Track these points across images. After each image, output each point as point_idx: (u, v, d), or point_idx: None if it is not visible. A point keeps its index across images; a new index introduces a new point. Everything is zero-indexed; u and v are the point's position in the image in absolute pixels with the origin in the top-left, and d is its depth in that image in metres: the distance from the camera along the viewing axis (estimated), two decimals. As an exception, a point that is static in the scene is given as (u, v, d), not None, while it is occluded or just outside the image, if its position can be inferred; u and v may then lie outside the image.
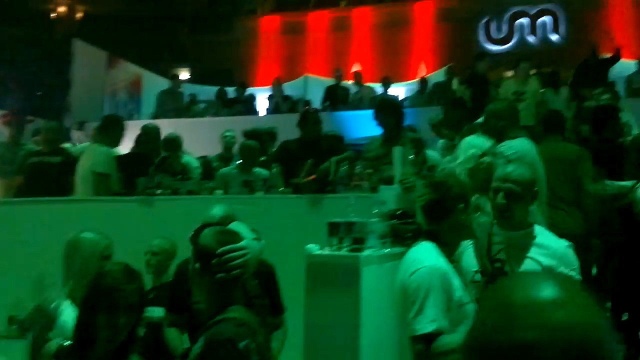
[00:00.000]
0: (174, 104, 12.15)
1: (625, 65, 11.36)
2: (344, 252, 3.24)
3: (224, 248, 2.31)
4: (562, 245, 2.88)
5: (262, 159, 6.45)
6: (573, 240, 3.01)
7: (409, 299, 2.57)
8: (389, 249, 3.52)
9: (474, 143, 3.56)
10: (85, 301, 2.40)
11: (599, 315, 0.89)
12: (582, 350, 0.85)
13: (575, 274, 2.78)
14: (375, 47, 15.81)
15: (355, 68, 14.30)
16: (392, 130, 5.15)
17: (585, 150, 4.98)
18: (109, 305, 2.30)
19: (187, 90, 13.55)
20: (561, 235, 3.02)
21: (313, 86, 13.52)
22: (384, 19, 16.02)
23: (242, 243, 2.38)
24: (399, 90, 12.87)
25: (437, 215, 2.74)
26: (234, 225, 2.68)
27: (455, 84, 11.88)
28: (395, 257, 3.19)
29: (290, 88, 13.41)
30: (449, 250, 2.74)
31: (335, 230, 3.32)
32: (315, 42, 16.26)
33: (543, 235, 2.92)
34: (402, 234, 3.70)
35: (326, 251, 3.26)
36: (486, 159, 3.44)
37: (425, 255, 2.66)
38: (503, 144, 3.88)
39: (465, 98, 10.01)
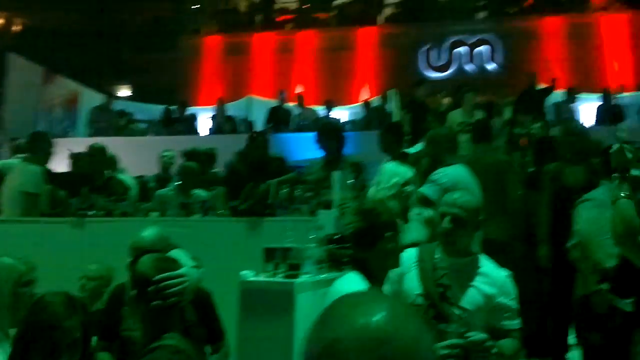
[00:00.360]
0: (107, 121, 11.88)
1: (555, 94, 11.91)
2: (278, 278, 3.22)
3: (161, 275, 2.25)
4: (502, 274, 2.92)
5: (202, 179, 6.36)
6: (495, 245, 3.07)
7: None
8: (326, 275, 3.51)
9: (397, 171, 3.60)
10: (19, 339, 2.17)
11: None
12: None
13: (513, 304, 2.84)
14: (319, 70, 15.97)
15: (299, 90, 14.39)
16: (333, 154, 5.19)
17: (510, 159, 5.17)
18: (48, 344, 2.07)
19: (129, 108, 13.31)
20: (484, 240, 3.08)
21: (256, 107, 13.50)
22: (328, 43, 16.22)
23: (180, 270, 2.33)
24: (341, 114, 13.01)
25: (365, 243, 2.75)
26: (174, 253, 2.63)
27: (392, 107, 12.13)
28: (331, 283, 3.17)
29: (233, 108, 13.36)
30: (377, 278, 2.74)
31: (271, 256, 3.29)
32: (259, 64, 16.30)
33: (486, 264, 2.96)
34: (339, 258, 3.70)
35: (261, 277, 3.22)
36: (408, 188, 3.47)
37: (348, 288, 2.61)
38: (438, 170, 3.95)
39: (405, 123, 10.26)
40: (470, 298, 2.80)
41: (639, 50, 14.82)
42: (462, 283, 2.86)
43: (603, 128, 9.37)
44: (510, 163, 5.06)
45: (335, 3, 17.96)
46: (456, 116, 9.18)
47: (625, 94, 12.85)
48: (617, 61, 14.86)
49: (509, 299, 2.84)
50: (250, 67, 16.33)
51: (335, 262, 3.69)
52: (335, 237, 3.83)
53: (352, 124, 11.93)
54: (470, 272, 2.89)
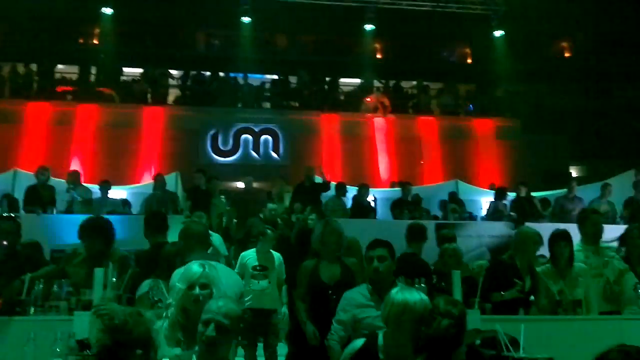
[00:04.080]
0: None
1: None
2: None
3: None
4: None
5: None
6: None
7: None
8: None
9: (183, 274, 3.42)
10: None
11: None
12: None
13: None
14: (99, 146, 15.20)
15: (74, 166, 13.48)
16: (97, 250, 4.81)
17: None
18: None
19: None
20: None
21: (23, 181, 12.27)
22: (112, 118, 15.60)
23: None
24: (120, 193, 12.40)
25: None
26: None
27: (179, 192, 11.89)
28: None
29: (-4, 181, 12.01)
30: None
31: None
32: (31, 134, 15.04)
33: None
34: (90, 370, 3.33)
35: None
36: (196, 291, 3.31)
37: None
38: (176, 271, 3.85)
39: (186, 209, 10.10)
40: None
41: (401, 150, 16.55)
42: None
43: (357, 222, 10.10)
44: None
45: (121, 79, 17.53)
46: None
47: (380, 189, 14.12)
48: (384, 159, 16.42)
49: None
50: (21, 137, 14.99)
51: (86, 375, 3.31)
52: (86, 342, 3.46)
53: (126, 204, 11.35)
54: None
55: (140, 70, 17.45)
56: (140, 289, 4.20)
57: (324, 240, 4.87)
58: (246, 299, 6.50)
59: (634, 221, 9.76)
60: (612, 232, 6.42)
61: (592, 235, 5.71)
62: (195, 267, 3.45)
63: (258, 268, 6.52)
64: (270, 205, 8.34)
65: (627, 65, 18.11)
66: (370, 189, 12.45)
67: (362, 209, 11.47)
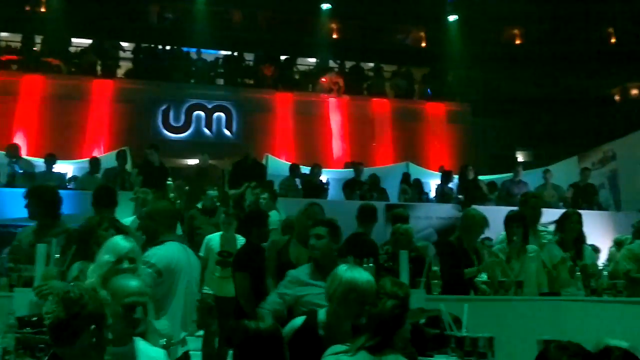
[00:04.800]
0: None
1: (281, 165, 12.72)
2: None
3: None
4: (160, 354, 2.95)
5: None
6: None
7: None
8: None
9: (111, 246, 3.35)
10: None
11: None
12: None
13: None
14: (45, 119, 14.71)
15: (18, 139, 13.04)
16: (43, 220, 4.67)
17: None
18: None
19: None
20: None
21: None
22: (59, 90, 15.11)
23: None
24: (66, 168, 12.05)
25: (66, 337, 2.45)
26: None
27: (129, 168, 11.63)
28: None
29: None
30: None
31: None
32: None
33: (143, 347, 2.90)
34: (34, 345, 3.26)
35: None
36: (124, 264, 3.25)
37: None
38: (150, 251, 3.77)
39: (137, 185, 9.88)
40: None
41: (354, 131, 16.63)
42: None
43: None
44: None
45: (69, 49, 16.97)
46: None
47: (336, 169, 14.20)
48: (338, 139, 16.48)
49: None
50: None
51: (30, 350, 3.23)
52: (33, 319, 3.38)
53: (80, 181, 11.04)
54: (132, 357, 2.84)
55: (90, 41, 16.90)
56: (69, 273, 3.93)
57: (300, 221, 4.89)
58: (205, 289, 6.44)
59: (576, 206, 10.14)
60: (555, 216, 6.64)
61: (530, 218, 5.89)
62: (120, 240, 3.39)
63: (224, 254, 6.44)
64: (210, 192, 8.10)
65: (573, 54, 18.59)
66: (323, 169, 12.50)
67: (314, 188, 11.51)
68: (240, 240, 6.42)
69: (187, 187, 9.45)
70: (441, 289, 4.79)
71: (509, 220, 5.58)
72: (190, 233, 7.58)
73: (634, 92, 21.12)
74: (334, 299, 3.29)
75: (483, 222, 5.54)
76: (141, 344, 2.89)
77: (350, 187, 11.68)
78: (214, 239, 6.65)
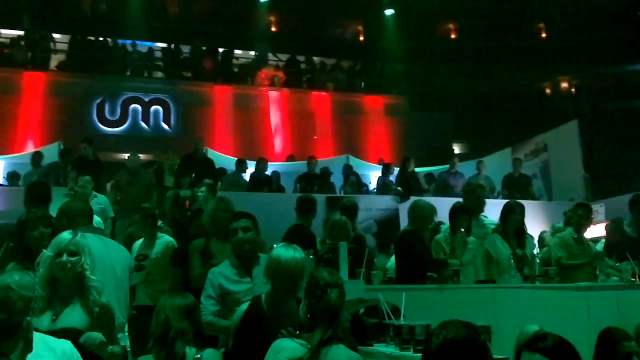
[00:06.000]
0: None
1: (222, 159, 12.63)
2: None
3: None
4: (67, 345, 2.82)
5: None
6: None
7: None
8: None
9: (54, 241, 3.29)
10: None
11: None
12: None
13: None
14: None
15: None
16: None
17: None
18: None
19: None
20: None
21: None
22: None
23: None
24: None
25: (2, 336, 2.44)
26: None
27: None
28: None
29: None
30: None
31: None
32: None
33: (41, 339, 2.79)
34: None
35: None
36: (63, 258, 3.19)
37: None
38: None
39: (71, 181, 9.61)
40: None
41: (294, 124, 16.67)
42: None
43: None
44: None
45: (-2, 41, 16.27)
46: None
47: (275, 162, 14.22)
48: (279, 133, 16.48)
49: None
50: None
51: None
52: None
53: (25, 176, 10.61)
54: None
55: (20, 32, 16.25)
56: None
57: (215, 217, 4.61)
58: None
59: (511, 197, 10.49)
60: (489, 206, 6.85)
61: (475, 208, 6.08)
62: (64, 234, 3.32)
63: (140, 258, 6.00)
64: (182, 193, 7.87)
65: (506, 49, 19.18)
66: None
67: (261, 183, 11.51)
68: (164, 240, 6.22)
69: (118, 197, 9.09)
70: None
71: (456, 212, 5.76)
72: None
73: (564, 85, 21.92)
74: (269, 276, 3.45)
75: (433, 212, 5.74)
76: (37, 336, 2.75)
77: (304, 180, 11.86)
78: (138, 242, 6.32)
